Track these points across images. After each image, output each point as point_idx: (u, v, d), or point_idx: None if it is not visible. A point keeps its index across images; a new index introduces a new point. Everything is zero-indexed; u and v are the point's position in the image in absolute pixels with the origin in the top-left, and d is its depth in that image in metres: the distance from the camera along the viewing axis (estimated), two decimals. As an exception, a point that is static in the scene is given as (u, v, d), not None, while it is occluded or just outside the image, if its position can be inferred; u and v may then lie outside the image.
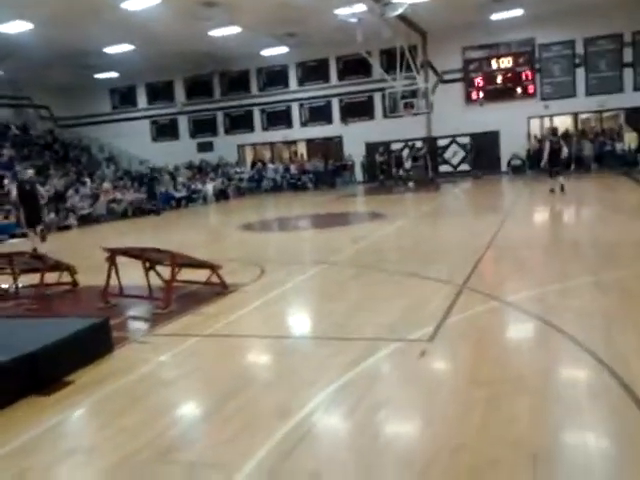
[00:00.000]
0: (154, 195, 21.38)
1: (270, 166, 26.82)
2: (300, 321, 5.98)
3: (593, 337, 4.44)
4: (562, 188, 15.12)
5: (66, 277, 7.86)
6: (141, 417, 3.78)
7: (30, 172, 13.57)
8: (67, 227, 16.87)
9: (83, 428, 3.86)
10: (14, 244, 14.02)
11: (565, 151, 15.57)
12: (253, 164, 27.65)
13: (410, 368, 4.21)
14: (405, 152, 24.92)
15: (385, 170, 24.44)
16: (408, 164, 24.56)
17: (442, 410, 3.51)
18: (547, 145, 15.56)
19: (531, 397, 3.58)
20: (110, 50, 21.86)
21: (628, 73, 22.22)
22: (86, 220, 17.91)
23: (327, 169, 25.96)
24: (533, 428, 3.23)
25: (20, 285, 7.63)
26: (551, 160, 15.23)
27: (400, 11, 17.84)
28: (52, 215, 16.94)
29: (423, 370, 4.22)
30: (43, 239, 12.99)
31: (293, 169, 26.44)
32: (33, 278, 7.46)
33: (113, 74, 26.98)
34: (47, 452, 3.43)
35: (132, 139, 28.70)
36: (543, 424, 3.28)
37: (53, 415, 3.89)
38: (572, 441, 3.16)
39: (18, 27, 17.55)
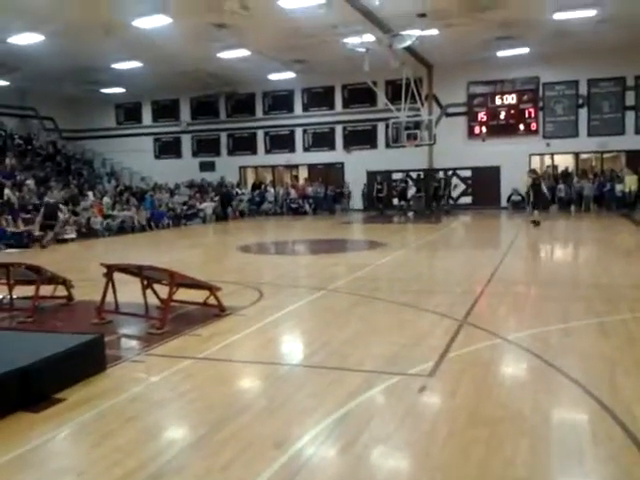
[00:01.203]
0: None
1: (270, 190, 26.84)
2: (297, 348, 5.89)
3: (596, 381, 4.38)
4: (537, 223, 16.72)
5: (62, 290, 7.77)
6: (132, 439, 3.69)
7: (55, 194, 15.74)
8: (65, 240, 16.76)
9: (72, 448, 3.75)
10: (11, 254, 13.94)
11: (544, 188, 17.68)
12: (254, 186, 27.71)
13: (409, 403, 4.12)
14: (410, 183, 24.89)
15: (383, 199, 24.48)
16: (409, 193, 24.57)
17: (442, 449, 3.43)
18: (528, 182, 17.52)
19: (532, 439, 3.51)
20: (118, 66, 22.02)
21: (630, 116, 22.47)
22: (85, 234, 17.82)
23: (327, 195, 26.01)
24: (534, 472, 3.17)
25: (15, 296, 7.53)
26: (530, 196, 17.40)
27: (408, 43, 18.05)
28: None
29: (423, 406, 4.15)
30: (43, 246, 15.13)
31: (293, 193, 26.49)
32: (28, 290, 7.37)
33: (120, 89, 27.14)
34: (34, 471, 3.33)
35: (135, 155, 28.80)
36: (544, 468, 3.22)
37: (42, 433, 3.80)
38: (574, 488, 3.08)
39: (29, 39, 17.69)
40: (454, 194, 24.98)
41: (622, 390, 4.20)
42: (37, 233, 15.89)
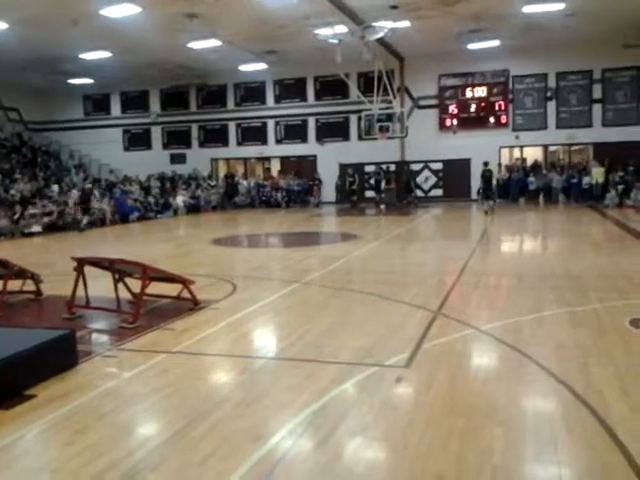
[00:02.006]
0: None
1: (243, 182, 26.66)
2: (272, 342, 5.87)
3: (568, 369, 4.45)
4: (490, 210, 18.67)
5: (30, 285, 7.61)
6: (106, 435, 3.64)
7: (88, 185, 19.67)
8: (31, 234, 16.42)
9: (44, 445, 3.67)
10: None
11: (494, 180, 20.07)
12: (226, 177, 27.49)
13: (386, 394, 4.14)
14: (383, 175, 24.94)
15: (356, 191, 24.53)
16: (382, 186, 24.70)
17: (419, 439, 3.45)
18: (480, 174, 19.42)
19: (506, 429, 3.56)
20: (86, 56, 21.55)
21: (597, 109, 22.84)
22: (52, 228, 17.46)
23: (300, 187, 25.94)
24: (509, 460, 3.21)
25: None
26: (484, 186, 19.42)
27: (380, 35, 18.03)
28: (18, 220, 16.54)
29: (399, 397, 4.17)
30: (82, 230, 17.43)
31: (266, 186, 26.37)
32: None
33: (88, 80, 26.58)
34: (5, 470, 3.26)
35: (104, 147, 28.29)
36: (519, 456, 3.26)
37: (13, 430, 3.72)
38: (547, 475, 3.13)
39: (-8, 27, 17.20)
40: (425, 187, 25.14)
41: (594, 379, 4.27)
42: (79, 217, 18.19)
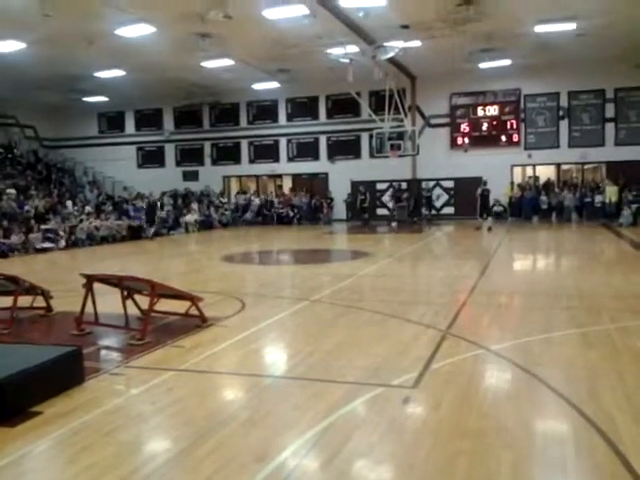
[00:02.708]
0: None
1: (255, 200, 26.73)
2: (280, 360, 5.84)
3: (578, 391, 4.38)
4: (489, 228, 19.51)
5: (40, 301, 7.65)
6: (111, 453, 3.62)
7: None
8: (45, 250, 16.55)
9: (49, 462, 3.66)
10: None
11: (491, 199, 20.97)
12: (238, 193, 27.65)
13: (392, 415, 4.09)
14: (404, 195, 24.90)
15: (367, 209, 24.57)
16: (391, 204, 24.75)
17: (425, 462, 3.39)
18: (478, 192, 20.06)
19: (515, 452, 3.50)
20: (101, 74, 21.86)
21: (610, 128, 22.77)
22: (66, 243, 17.60)
23: (311, 205, 26.00)
24: (518, 485, 3.14)
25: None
26: (482, 205, 20.17)
27: (391, 55, 18.17)
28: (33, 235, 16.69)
29: (406, 418, 4.11)
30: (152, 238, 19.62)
31: (277, 203, 26.47)
32: (6, 301, 7.23)
33: (102, 98, 26.95)
34: (8, 488, 3.25)
35: (118, 164, 28.58)
36: (528, 480, 3.19)
37: (18, 448, 3.71)
38: (558, 500, 3.07)
39: (10, 47, 17.49)
40: (437, 204, 25.11)
41: (605, 401, 4.20)
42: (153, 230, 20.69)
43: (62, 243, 17.38)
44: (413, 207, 24.48)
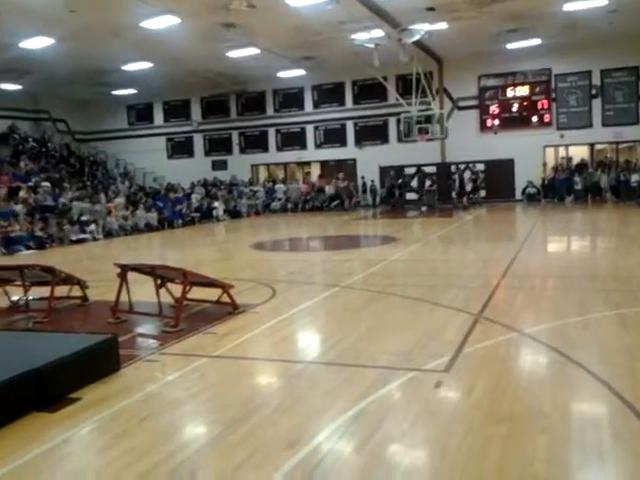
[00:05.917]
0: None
1: (281, 187, 26.77)
2: (311, 345, 5.86)
3: (616, 374, 4.29)
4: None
5: (77, 291, 7.81)
6: (147, 439, 3.68)
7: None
8: (80, 241, 16.87)
9: (87, 448, 3.75)
10: (30, 255, 14.06)
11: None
12: (268, 181, 27.77)
13: (425, 400, 4.07)
14: (466, 174, 24.44)
15: (395, 194, 24.40)
16: (469, 187, 24.32)
17: (459, 447, 3.36)
18: (467, 176, 21.61)
19: (551, 436, 3.44)
20: (128, 67, 22.10)
21: (644, 105, 22.17)
22: (100, 234, 17.94)
23: (341, 191, 25.90)
24: (553, 469, 3.09)
25: (30, 298, 7.57)
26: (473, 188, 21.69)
27: (417, 38, 17.92)
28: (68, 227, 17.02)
29: (439, 402, 4.09)
30: None
31: (305, 189, 26.47)
32: (44, 291, 7.40)
33: (131, 91, 27.27)
34: (49, 472, 3.33)
35: (148, 156, 28.91)
36: (563, 465, 3.15)
37: (57, 433, 3.79)
38: (594, 485, 3.02)
39: (40, 43, 17.80)
40: (467, 188, 24.78)
41: (643, 384, 4.11)
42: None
43: (97, 234, 17.70)
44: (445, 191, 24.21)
